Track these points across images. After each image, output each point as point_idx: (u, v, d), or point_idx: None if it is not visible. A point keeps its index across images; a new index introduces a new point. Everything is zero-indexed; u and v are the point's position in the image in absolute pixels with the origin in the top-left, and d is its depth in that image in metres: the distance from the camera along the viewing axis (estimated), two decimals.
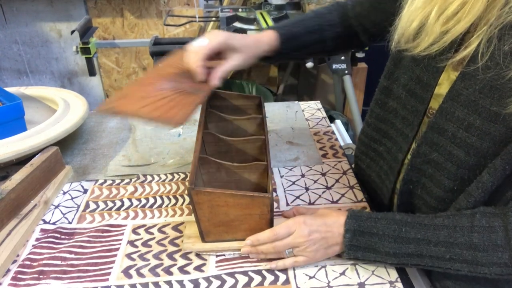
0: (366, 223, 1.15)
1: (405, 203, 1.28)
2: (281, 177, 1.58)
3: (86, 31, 3.43)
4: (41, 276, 1.18)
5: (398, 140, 1.29)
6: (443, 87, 1.12)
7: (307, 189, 1.52)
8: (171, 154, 1.71)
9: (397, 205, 1.30)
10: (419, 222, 1.11)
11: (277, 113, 2.04)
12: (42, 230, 1.34)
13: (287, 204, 1.44)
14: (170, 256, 1.25)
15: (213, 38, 1.27)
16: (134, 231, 1.34)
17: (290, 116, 2.02)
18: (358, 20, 1.46)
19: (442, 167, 1.13)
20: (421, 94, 1.18)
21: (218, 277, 1.18)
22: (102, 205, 1.46)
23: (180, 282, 1.16)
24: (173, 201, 1.47)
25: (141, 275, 1.19)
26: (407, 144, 1.25)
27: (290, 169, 1.63)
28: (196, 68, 1.25)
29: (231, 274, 1.19)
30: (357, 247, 1.16)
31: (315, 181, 1.56)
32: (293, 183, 1.55)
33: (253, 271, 1.19)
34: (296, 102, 2.14)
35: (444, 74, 1.12)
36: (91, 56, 3.43)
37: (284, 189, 1.52)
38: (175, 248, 1.28)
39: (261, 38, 1.40)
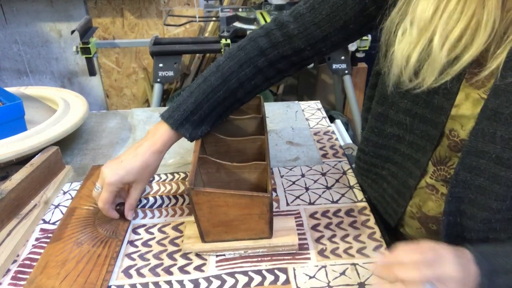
0: (498, 260, 0.96)
1: (450, 235, 1.17)
2: (281, 177, 1.58)
3: (86, 31, 3.43)
4: None
5: (406, 165, 1.25)
6: (463, 108, 1.05)
7: (307, 189, 1.51)
8: (171, 153, 1.71)
9: (444, 240, 1.17)
10: None
11: (277, 113, 2.04)
12: (42, 230, 1.34)
13: (287, 204, 1.43)
14: (170, 256, 1.25)
15: (106, 186, 1.27)
16: (134, 231, 1.34)
17: (290, 116, 2.02)
18: (312, 46, 1.30)
19: (488, 191, 1.06)
20: (432, 118, 1.12)
21: (218, 277, 1.18)
22: None
23: (180, 282, 1.16)
24: (173, 201, 1.47)
25: (141, 275, 1.19)
26: (419, 169, 1.20)
27: (290, 169, 1.62)
28: (109, 215, 1.35)
29: (231, 274, 1.18)
30: None
31: (315, 181, 1.55)
32: (293, 183, 1.55)
33: (253, 271, 1.19)
34: (296, 102, 2.13)
35: (460, 94, 1.05)
36: (91, 56, 3.43)
37: (284, 189, 1.51)
38: (175, 248, 1.28)
39: (156, 149, 1.31)
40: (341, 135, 2.67)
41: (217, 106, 1.34)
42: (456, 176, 1.09)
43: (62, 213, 1.41)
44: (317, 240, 1.29)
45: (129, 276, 1.18)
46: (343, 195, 1.48)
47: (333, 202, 1.45)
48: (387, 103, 1.25)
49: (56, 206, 1.44)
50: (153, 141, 1.31)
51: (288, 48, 1.31)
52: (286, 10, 3.57)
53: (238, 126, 1.53)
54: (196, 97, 1.31)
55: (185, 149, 1.73)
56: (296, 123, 1.93)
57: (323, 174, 1.59)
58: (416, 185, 1.23)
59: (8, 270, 1.20)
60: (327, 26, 1.25)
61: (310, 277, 1.17)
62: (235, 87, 1.33)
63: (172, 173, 1.60)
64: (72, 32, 3.28)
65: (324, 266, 1.20)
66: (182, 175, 1.60)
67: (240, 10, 3.61)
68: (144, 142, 1.31)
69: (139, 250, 1.27)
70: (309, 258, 1.23)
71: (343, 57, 3.47)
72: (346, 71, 3.49)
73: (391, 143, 1.29)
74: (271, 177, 1.30)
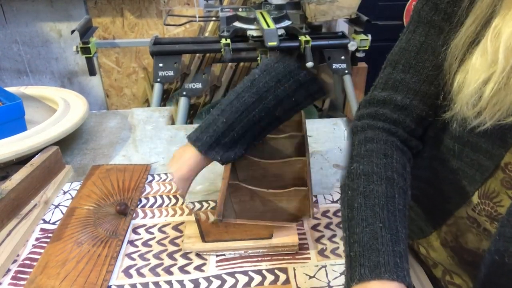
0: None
1: (492, 274, 1.05)
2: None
3: (86, 31, 3.43)
4: None
5: (446, 189, 1.12)
6: None
7: None
8: (199, 179, 1.55)
9: (483, 277, 1.06)
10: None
11: (322, 131, 1.88)
12: (42, 230, 1.34)
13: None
14: (171, 256, 1.25)
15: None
16: (134, 230, 1.34)
17: (337, 135, 1.85)
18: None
19: None
20: (488, 148, 0.97)
21: (218, 276, 1.17)
22: None
23: (181, 282, 1.16)
24: (173, 200, 1.47)
25: (141, 274, 1.18)
26: (461, 197, 1.07)
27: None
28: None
29: (231, 274, 1.18)
30: None
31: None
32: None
33: (253, 271, 1.19)
34: (345, 118, 1.99)
35: None
36: (91, 56, 3.42)
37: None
38: (175, 248, 1.28)
39: (181, 176, 1.25)
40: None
41: (252, 126, 1.22)
42: (508, 216, 0.95)
43: (62, 213, 1.40)
44: (317, 240, 1.29)
45: (129, 276, 1.18)
46: None
47: (333, 202, 1.45)
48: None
49: (56, 206, 1.44)
50: (178, 166, 1.23)
51: (409, 122, 1.09)
52: (286, 10, 3.56)
53: (275, 146, 1.44)
54: (228, 116, 1.21)
55: (216, 174, 1.61)
56: (345, 143, 1.83)
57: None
58: (453, 212, 1.12)
59: (8, 270, 1.20)
60: (439, 76, 1.05)
61: (310, 277, 1.17)
62: (272, 105, 1.22)
63: (200, 201, 1.49)
64: (72, 32, 3.27)
65: (324, 266, 1.20)
66: (212, 204, 1.49)
67: (240, 10, 3.60)
68: (170, 167, 1.23)
69: (139, 250, 1.27)
70: (309, 258, 1.23)
71: (343, 57, 3.46)
72: (346, 71, 3.48)
73: (434, 164, 1.15)
74: (315, 206, 1.25)
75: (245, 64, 4.13)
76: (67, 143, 1.77)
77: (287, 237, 1.24)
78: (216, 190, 1.51)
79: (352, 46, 3.44)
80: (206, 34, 4.17)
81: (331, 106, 4.50)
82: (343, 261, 1.21)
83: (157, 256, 1.25)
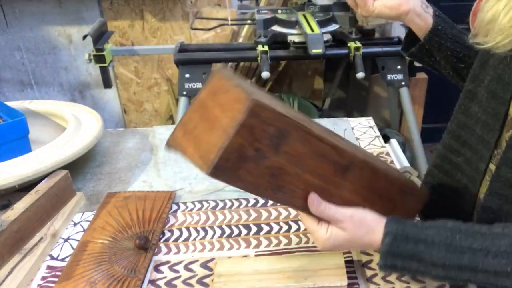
0: (412, 229, 1.09)
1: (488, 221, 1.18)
2: None
3: (100, 36, 3.45)
4: None
5: (479, 148, 1.28)
6: None
7: None
8: (199, 179, 1.70)
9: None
10: (475, 231, 1.07)
11: None
12: (49, 267, 1.35)
13: None
14: None
15: None
16: (156, 268, 1.34)
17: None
18: None
19: None
20: (501, 94, 1.18)
21: None
22: None
23: None
24: (202, 233, 1.47)
25: None
26: (488, 151, 1.24)
27: None
28: None
29: None
30: (397, 254, 1.08)
31: None
32: None
33: None
34: (345, 118, 2.16)
35: None
36: (106, 65, 3.44)
37: None
38: None
39: None
40: (397, 157, 2.66)
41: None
42: (497, 171, 1.18)
43: (73, 247, 1.41)
44: (369, 280, 1.29)
45: None
46: None
47: None
48: (477, 80, 1.31)
49: (66, 240, 1.45)
50: None
51: None
52: (333, 12, 3.55)
53: None
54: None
55: None
56: None
57: None
58: (485, 170, 1.26)
59: None
60: None
61: None
62: None
63: (200, 202, 1.60)
64: (84, 37, 3.30)
65: None
66: (212, 203, 1.58)
67: (279, 11, 3.60)
68: None
69: None
70: None
71: (399, 66, 3.44)
72: (403, 83, 3.46)
73: (471, 123, 1.32)
74: None
75: (245, 64, 4.13)
76: (78, 167, 1.78)
77: (334, 277, 1.24)
78: (216, 190, 1.62)
79: None
80: (240, 40, 4.18)
81: (331, 106, 4.54)
82: None
83: None
